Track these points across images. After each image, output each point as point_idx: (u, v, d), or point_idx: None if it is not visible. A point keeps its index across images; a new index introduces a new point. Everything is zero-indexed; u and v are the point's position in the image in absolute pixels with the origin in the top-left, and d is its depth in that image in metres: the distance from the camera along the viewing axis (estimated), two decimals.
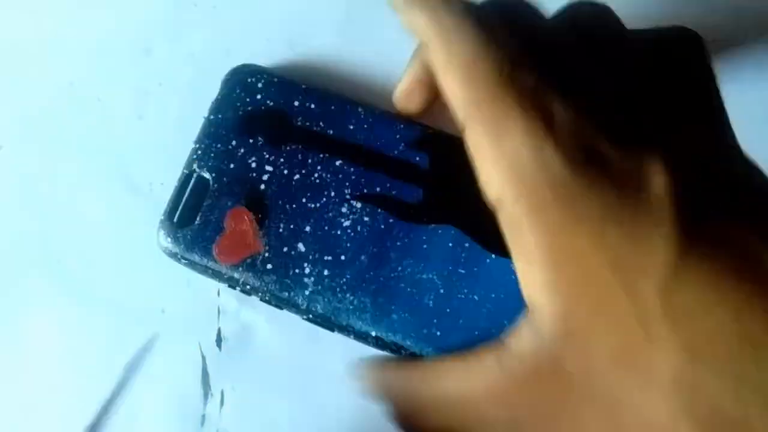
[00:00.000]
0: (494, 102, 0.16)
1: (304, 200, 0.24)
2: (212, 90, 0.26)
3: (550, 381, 0.16)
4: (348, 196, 0.24)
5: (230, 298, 0.27)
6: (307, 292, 0.24)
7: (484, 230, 0.23)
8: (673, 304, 0.14)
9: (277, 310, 0.25)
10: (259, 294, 0.24)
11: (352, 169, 0.25)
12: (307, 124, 0.25)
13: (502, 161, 0.16)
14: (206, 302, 0.27)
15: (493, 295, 0.23)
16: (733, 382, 0.14)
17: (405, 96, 0.23)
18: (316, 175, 0.25)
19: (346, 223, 0.24)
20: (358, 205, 0.24)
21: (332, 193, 0.24)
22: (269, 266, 0.24)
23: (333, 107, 0.25)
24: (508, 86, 0.16)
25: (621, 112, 0.16)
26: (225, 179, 0.25)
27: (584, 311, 0.15)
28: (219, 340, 0.26)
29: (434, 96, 0.22)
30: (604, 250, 0.15)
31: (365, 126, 0.25)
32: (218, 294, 0.27)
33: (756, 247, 0.14)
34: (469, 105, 0.16)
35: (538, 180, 0.15)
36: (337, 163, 0.25)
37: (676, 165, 0.15)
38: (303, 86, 0.26)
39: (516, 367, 0.16)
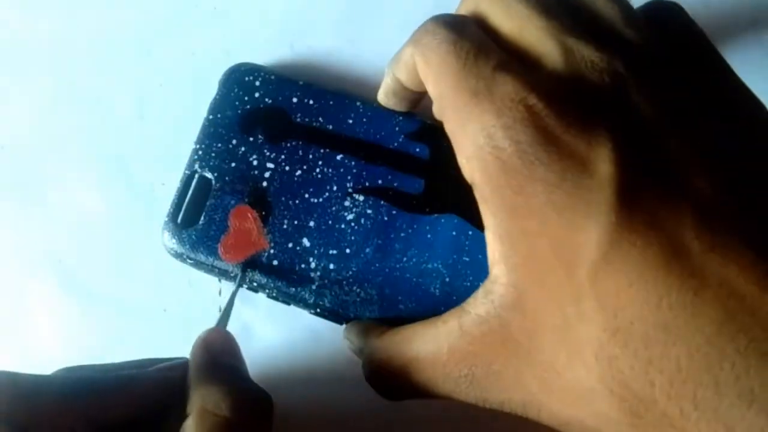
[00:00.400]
0: (457, 91, 0.17)
1: (306, 196, 0.25)
2: (213, 90, 0.26)
3: (499, 343, 0.18)
4: (350, 190, 0.25)
5: None
6: (314, 287, 0.24)
7: None
8: (601, 287, 0.15)
9: (278, 310, 0.25)
10: (266, 291, 0.24)
11: (353, 163, 0.25)
12: (307, 120, 0.25)
13: (469, 148, 0.17)
14: (207, 302, 0.27)
15: None
16: (644, 363, 0.15)
17: (385, 103, 0.25)
18: (317, 170, 0.25)
19: (350, 217, 0.24)
20: (361, 198, 0.24)
21: (334, 188, 0.25)
22: (275, 263, 0.24)
23: (331, 102, 0.26)
24: (469, 75, 0.17)
25: (574, 85, 0.17)
26: (227, 178, 0.25)
27: (530, 285, 0.17)
28: None
29: (415, 98, 0.24)
30: (547, 233, 0.16)
31: (364, 120, 0.25)
32: (219, 293, 0.27)
33: (689, 238, 0.15)
34: (441, 98, 0.18)
35: (493, 166, 0.17)
36: (338, 157, 0.25)
37: (626, 142, 0.16)
38: (300, 82, 0.26)
39: (473, 328, 0.18)
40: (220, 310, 0.27)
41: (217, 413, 0.19)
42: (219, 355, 0.21)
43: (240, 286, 0.24)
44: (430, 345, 0.19)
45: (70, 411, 0.18)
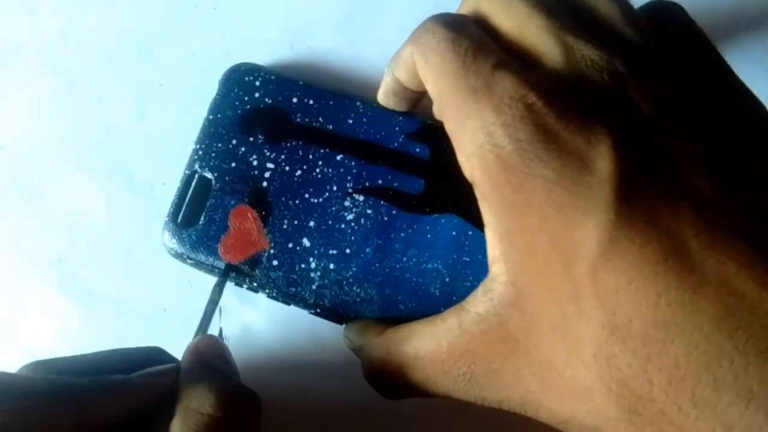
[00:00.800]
0: (456, 89, 0.17)
1: (306, 196, 0.25)
2: (213, 90, 0.26)
3: (498, 341, 0.18)
4: (350, 190, 0.25)
5: (232, 297, 0.27)
6: (314, 287, 0.24)
7: None
8: (600, 284, 0.15)
9: (278, 310, 0.25)
10: (266, 291, 0.24)
11: (353, 163, 0.25)
12: (307, 120, 0.25)
13: (469, 146, 0.17)
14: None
15: None
16: (643, 361, 0.15)
17: (385, 103, 0.25)
18: (317, 170, 0.25)
19: (350, 217, 0.24)
20: (361, 198, 0.24)
21: (334, 188, 0.25)
22: (275, 263, 0.24)
23: (331, 102, 0.25)
24: (469, 73, 0.17)
25: (573, 82, 0.17)
26: (227, 178, 0.25)
27: (530, 282, 0.17)
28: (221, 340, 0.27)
29: (415, 98, 0.24)
30: (546, 231, 0.16)
31: (364, 120, 0.25)
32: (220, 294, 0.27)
33: (688, 236, 0.15)
34: (440, 96, 0.18)
35: (493, 164, 0.17)
36: (338, 157, 0.25)
37: (626, 140, 0.16)
38: (300, 83, 0.26)
39: (472, 326, 0.18)
40: (220, 312, 0.27)
41: (201, 411, 0.19)
42: (207, 357, 0.22)
43: (222, 284, 0.24)
44: (430, 343, 0.19)
45: (59, 415, 0.18)
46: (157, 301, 0.27)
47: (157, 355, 0.22)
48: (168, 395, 0.20)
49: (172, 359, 0.22)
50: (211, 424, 0.18)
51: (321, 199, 0.24)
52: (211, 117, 0.25)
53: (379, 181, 0.25)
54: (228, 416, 0.19)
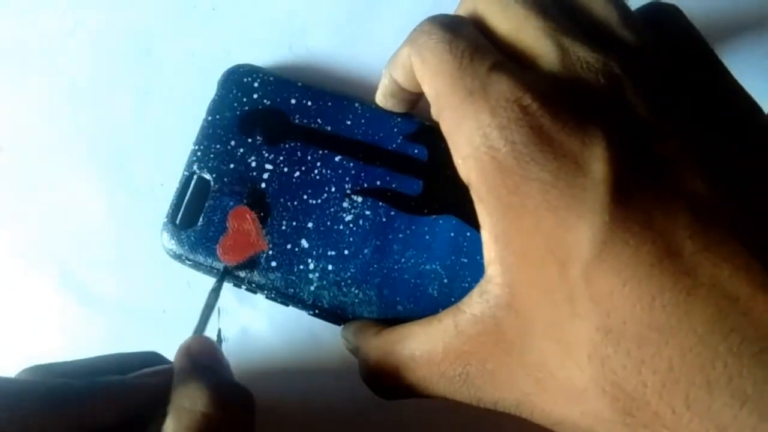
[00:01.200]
0: (453, 91, 0.17)
1: (305, 197, 0.25)
2: (212, 91, 0.26)
3: (493, 342, 0.18)
4: (348, 191, 0.25)
5: (230, 298, 0.27)
6: (312, 288, 0.24)
7: None
8: (595, 286, 0.15)
9: (277, 311, 0.25)
10: (265, 292, 0.24)
11: (351, 164, 0.25)
12: (305, 121, 0.25)
13: (465, 148, 0.17)
14: None
15: None
16: (637, 363, 0.15)
17: (383, 105, 0.25)
18: (316, 171, 0.25)
19: (348, 218, 0.24)
20: (359, 199, 0.24)
21: (333, 189, 0.25)
22: (273, 264, 0.24)
23: (330, 104, 0.26)
24: (465, 75, 0.17)
25: (569, 87, 0.17)
26: (226, 179, 0.25)
27: (525, 284, 0.17)
28: (219, 341, 0.26)
29: (412, 99, 0.24)
30: (541, 232, 0.16)
31: (363, 121, 0.25)
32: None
33: (682, 238, 0.15)
34: (437, 97, 0.18)
35: (489, 166, 0.17)
36: (337, 158, 0.25)
37: (621, 142, 0.16)
38: (299, 84, 0.26)
39: (468, 327, 0.18)
40: (218, 313, 0.27)
41: (193, 409, 0.19)
42: (198, 357, 0.21)
43: (219, 287, 0.24)
44: (426, 344, 0.19)
45: (56, 418, 0.18)
46: (156, 302, 0.27)
47: (154, 360, 0.22)
48: (162, 396, 0.20)
49: (169, 364, 0.22)
50: (204, 422, 0.18)
51: (319, 201, 0.25)
52: (209, 118, 0.26)
53: (378, 183, 0.25)
54: (221, 413, 0.19)
